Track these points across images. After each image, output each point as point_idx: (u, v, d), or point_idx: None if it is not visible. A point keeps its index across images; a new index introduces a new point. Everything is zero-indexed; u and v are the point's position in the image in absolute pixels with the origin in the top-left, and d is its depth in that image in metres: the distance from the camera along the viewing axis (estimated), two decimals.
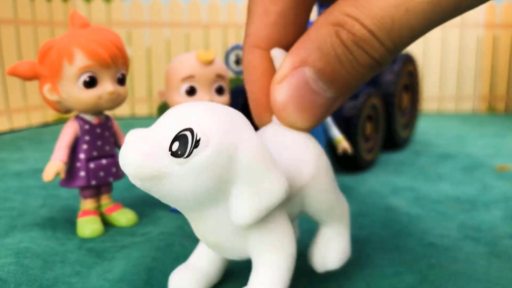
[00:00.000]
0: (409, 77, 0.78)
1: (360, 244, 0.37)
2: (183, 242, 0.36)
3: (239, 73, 0.67)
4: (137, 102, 1.25)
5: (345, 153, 0.56)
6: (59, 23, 1.15)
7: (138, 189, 0.55)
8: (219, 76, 0.42)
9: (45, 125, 1.09)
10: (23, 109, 1.04)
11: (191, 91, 0.42)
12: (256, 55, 0.27)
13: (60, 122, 1.13)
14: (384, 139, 0.72)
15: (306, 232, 0.39)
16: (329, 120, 0.48)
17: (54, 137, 0.92)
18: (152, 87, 1.25)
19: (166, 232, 0.38)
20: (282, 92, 0.24)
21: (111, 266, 0.33)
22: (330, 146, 0.58)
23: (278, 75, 0.24)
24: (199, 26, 1.25)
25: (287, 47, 0.27)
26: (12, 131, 0.98)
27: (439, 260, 0.33)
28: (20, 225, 0.40)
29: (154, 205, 0.46)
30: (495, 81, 1.36)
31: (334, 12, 0.22)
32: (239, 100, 0.68)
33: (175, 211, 0.44)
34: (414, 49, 1.33)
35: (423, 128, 1.03)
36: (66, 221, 0.41)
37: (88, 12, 1.20)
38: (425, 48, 1.34)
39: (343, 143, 0.48)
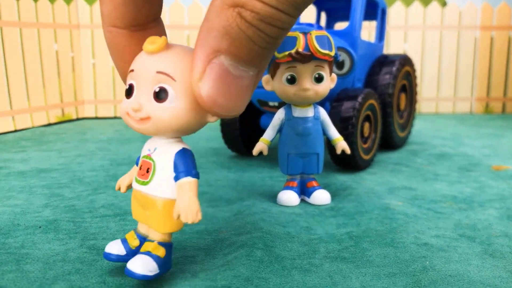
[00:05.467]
0: (406, 78, 0.79)
1: (357, 239, 0.38)
2: (183, 244, 0.37)
3: None
4: None
5: (343, 153, 0.57)
6: (62, 25, 1.15)
7: None
8: (162, 74, 0.27)
9: (48, 125, 1.09)
10: (26, 110, 1.05)
11: (129, 90, 0.28)
12: (115, 34, 0.28)
13: (62, 123, 1.14)
14: (382, 139, 0.73)
15: (304, 229, 0.40)
16: (328, 121, 0.48)
17: (57, 138, 0.92)
18: None
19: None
20: (206, 88, 0.24)
21: (111, 265, 0.33)
22: (328, 146, 0.59)
23: (195, 72, 0.24)
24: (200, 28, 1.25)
25: (145, 22, 0.28)
26: (15, 132, 0.99)
27: (433, 262, 0.34)
28: (22, 225, 0.41)
29: None
30: (492, 82, 1.37)
31: None
32: None
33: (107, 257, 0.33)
34: (412, 50, 1.34)
35: (420, 128, 1.03)
36: (69, 221, 0.42)
37: (91, 14, 1.21)
38: (422, 49, 1.35)
39: (341, 143, 0.49)
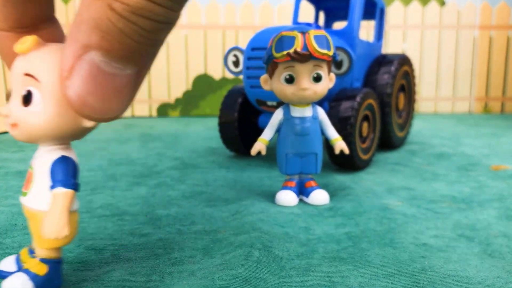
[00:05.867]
0: (405, 78, 0.79)
1: (355, 239, 0.38)
2: (182, 248, 0.37)
3: (237, 74, 0.67)
4: (137, 103, 1.25)
5: (342, 153, 0.56)
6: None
7: (139, 188, 0.56)
8: (28, 76, 0.25)
9: None
10: None
11: (8, 95, 0.27)
12: (0, 37, 0.27)
13: None
14: (381, 139, 0.73)
15: (302, 229, 0.40)
16: (326, 121, 0.48)
17: None
18: (151, 88, 1.25)
19: (164, 238, 0.38)
20: (75, 88, 0.21)
21: (109, 266, 0.33)
22: (327, 146, 0.59)
23: (63, 70, 0.21)
24: (198, 27, 1.25)
25: (34, 23, 0.27)
26: None
27: (432, 262, 0.34)
28: (20, 225, 0.41)
29: (154, 205, 0.47)
30: (491, 81, 1.37)
31: None
32: (237, 99, 0.69)
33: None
34: (411, 50, 1.34)
35: (419, 128, 1.03)
36: None
37: None
38: (421, 49, 1.35)
39: (339, 143, 0.49)
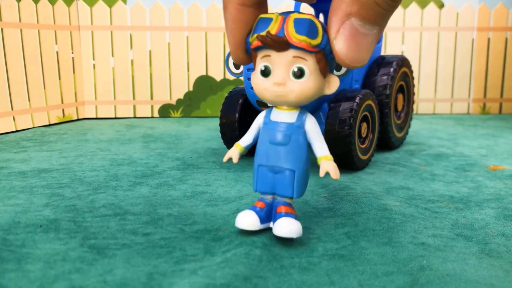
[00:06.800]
0: (404, 79, 0.80)
1: (355, 239, 0.38)
2: (183, 247, 0.37)
3: (238, 75, 0.68)
4: (139, 104, 1.26)
5: (341, 153, 0.55)
6: (62, 26, 1.16)
7: (140, 188, 0.56)
8: None
9: (49, 126, 1.09)
10: (27, 110, 1.05)
11: None
12: (241, 11, 0.33)
13: (63, 123, 1.14)
14: (379, 139, 0.73)
15: (302, 229, 0.41)
16: (315, 133, 0.37)
17: (58, 138, 0.93)
18: (153, 89, 1.26)
19: (166, 237, 0.39)
20: (340, 44, 0.30)
21: (111, 265, 0.33)
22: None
23: (331, 32, 0.30)
24: (200, 29, 1.26)
25: (263, 2, 0.34)
26: (16, 132, 0.99)
27: (431, 261, 0.34)
28: (23, 223, 0.41)
29: (156, 205, 0.47)
30: (489, 82, 1.38)
31: None
32: (238, 100, 0.69)
33: None
34: (409, 51, 1.35)
35: (418, 129, 1.04)
36: (69, 221, 0.42)
37: (91, 16, 1.21)
38: (419, 50, 1.35)
39: (326, 163, 0.36)
